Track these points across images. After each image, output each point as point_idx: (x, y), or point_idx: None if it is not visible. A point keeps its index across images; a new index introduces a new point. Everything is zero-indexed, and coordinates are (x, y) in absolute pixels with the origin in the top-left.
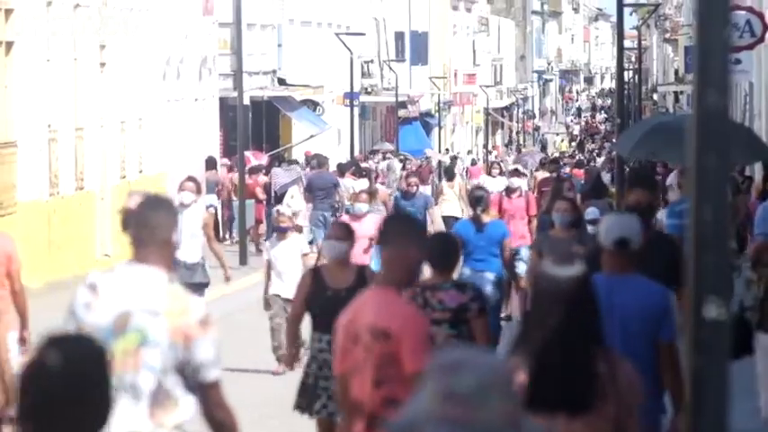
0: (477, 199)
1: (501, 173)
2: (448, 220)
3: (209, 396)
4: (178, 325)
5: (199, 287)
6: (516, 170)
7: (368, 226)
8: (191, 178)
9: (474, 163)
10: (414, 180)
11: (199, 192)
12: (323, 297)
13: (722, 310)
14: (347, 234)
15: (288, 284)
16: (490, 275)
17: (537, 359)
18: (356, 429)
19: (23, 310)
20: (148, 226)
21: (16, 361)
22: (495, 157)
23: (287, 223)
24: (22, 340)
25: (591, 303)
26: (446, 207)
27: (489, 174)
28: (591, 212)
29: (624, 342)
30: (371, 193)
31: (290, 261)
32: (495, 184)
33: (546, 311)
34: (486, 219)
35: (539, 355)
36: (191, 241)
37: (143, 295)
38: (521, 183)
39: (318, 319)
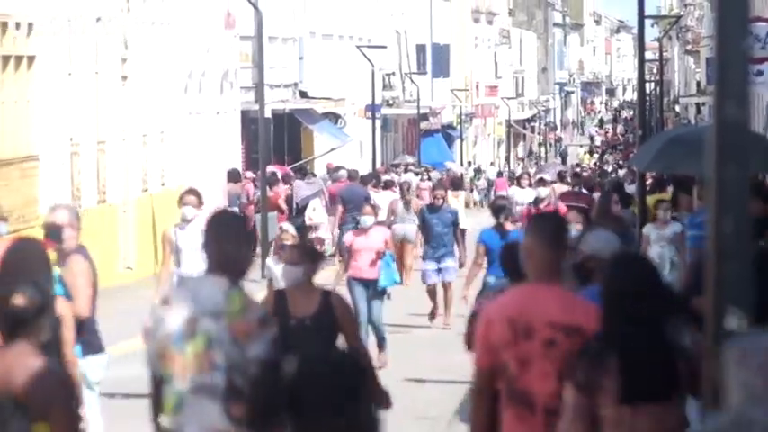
0: (499, 208)
1: (530, 184)
2: None
3: None
4: (238, 324)
5: None
6: (542, 179)
7: (374, 239)
8: (191, 191)
9: (501, 174)
10: (440, 192)
11: (201, 204)
12: (286, 326)
13: (742, 322)
14: (303, 256)
15: None
16: None
17: (625, 354)
18: (529, 420)
19: None
20: (212, 241)
21: None
22: (522, 168)
23: (291, 241)
24: None
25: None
26: None
27: (518, 185)
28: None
29: None
30: (374, 207)
31: None
32: (524, 196)
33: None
34: (509, 227)
35: (627, 350)
36: (195, 256)
37: (207, 301)
38: (547, 192)
39: None
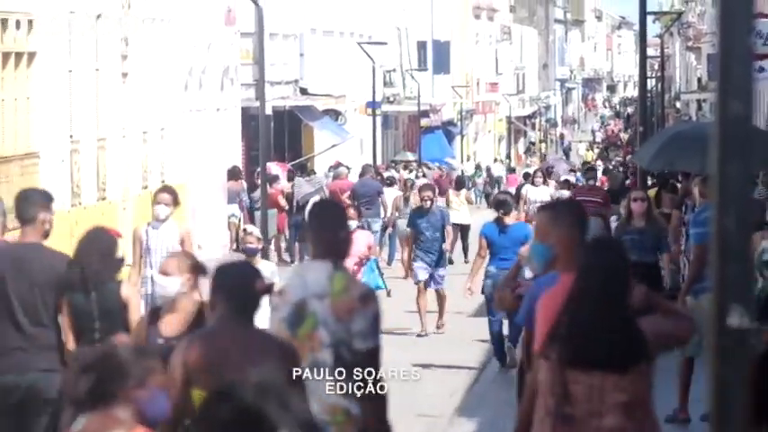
0: (500, 202)
1: (545, 181)
2: (456, 228)
3: (363, 363)
4: (340, 302)
5: None
6: (567, 181)
7: (357, 244)
8: (166, 189)
9: (513, 171)
10: (428, 194)
11: (175, 204)
12: (153, 347)
13: (745, 319)
14: (180, 268)
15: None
16: None
17: (580, 319)
18: None
19: None
20: (317, 228)
21: None
22: (528, 162)
23: (255, 244)
24: None
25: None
26: (454, 216)
27: (532, 183)
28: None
29: None
30: (357, 208)
31: None
32: (538, 194)
33: (588, 284)
34: (508, 221)
35: (582, 316)
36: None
37: (314, 284)
38: (568, 195)
39: None
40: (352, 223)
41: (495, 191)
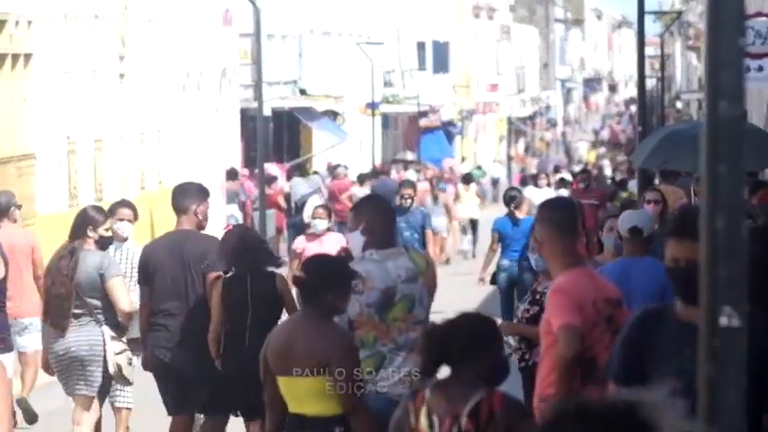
0: (510, 198)
1: (549, 184)
2: (468, 222)
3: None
4: (429, 277)
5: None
6: (563, 179)
7: (329, 247)
8: (125, 203)
9: (522, 170)
10: (408, 192)
11: (135, 219)
12: None
13: (735, 319)
14: None
15: None
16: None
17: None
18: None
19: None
20: (390, 219)
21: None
22: (528, 164)
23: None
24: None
25: None
26: (463, 210)
27: (536, 185)
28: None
29: None
30: (328, 209)
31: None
32: (542, 196)
33: None
34: (520, 215)
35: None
36: (131, 283)
37: (397, 270)
38: (567, 194)
39: None
40: (323, 223)
41: (488, 187)
